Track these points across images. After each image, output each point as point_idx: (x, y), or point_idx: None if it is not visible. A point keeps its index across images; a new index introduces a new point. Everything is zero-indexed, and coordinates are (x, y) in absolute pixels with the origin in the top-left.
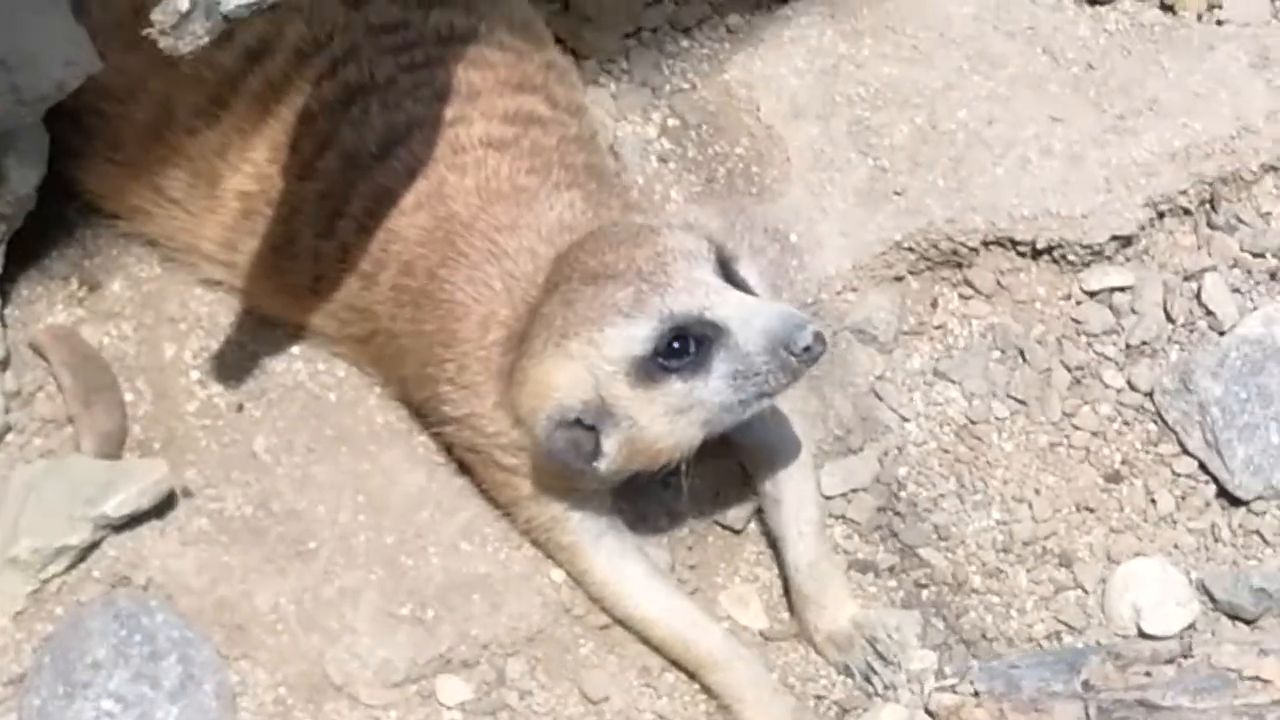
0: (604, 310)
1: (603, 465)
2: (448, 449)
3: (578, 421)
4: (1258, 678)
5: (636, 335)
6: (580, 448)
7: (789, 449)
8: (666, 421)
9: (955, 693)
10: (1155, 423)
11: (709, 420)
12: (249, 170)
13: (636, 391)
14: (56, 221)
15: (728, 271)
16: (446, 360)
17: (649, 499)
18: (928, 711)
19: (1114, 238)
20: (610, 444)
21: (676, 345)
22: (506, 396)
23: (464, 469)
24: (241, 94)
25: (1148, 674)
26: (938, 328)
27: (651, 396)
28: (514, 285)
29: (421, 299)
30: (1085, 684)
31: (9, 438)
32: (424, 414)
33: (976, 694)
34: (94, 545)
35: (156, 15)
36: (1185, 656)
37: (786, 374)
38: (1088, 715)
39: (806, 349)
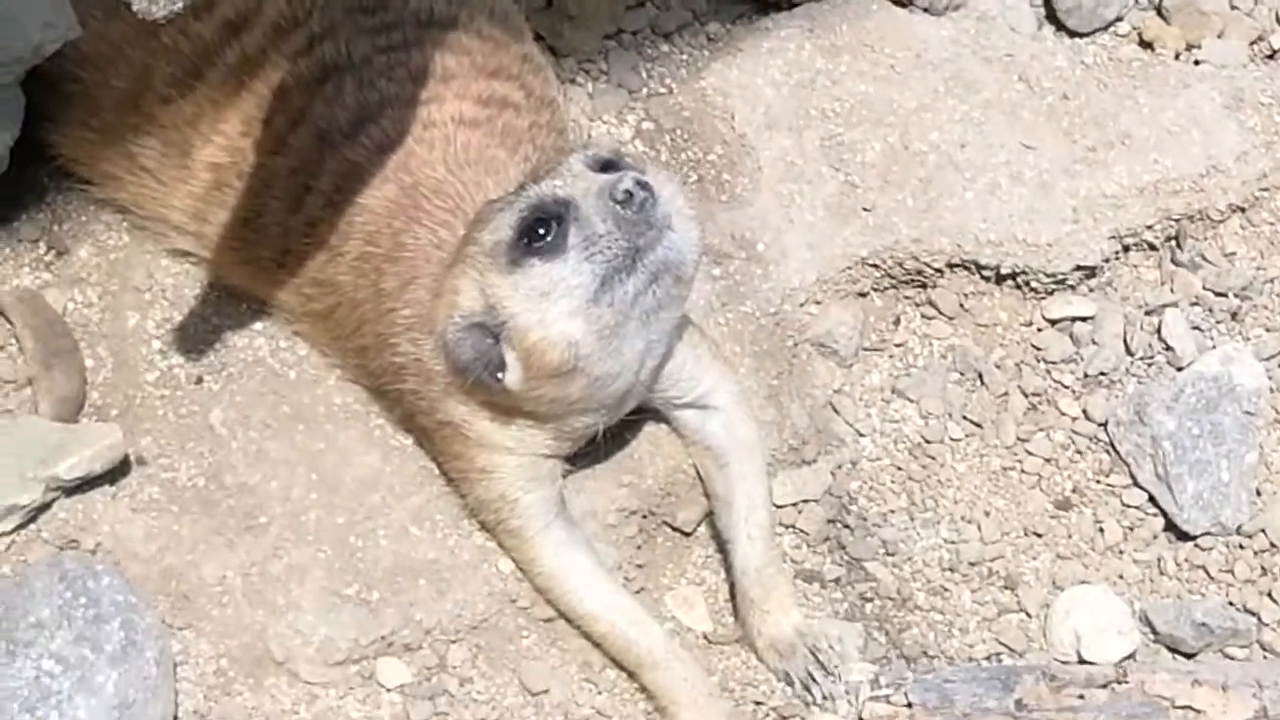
0: (489, 212)
1: (509, 377)
2: (407, 423)
3: (481, 327)
4: (1190, 707)
5: (503, 222)
6: (487, 359)
7: (744, 453)
8: (535, 308)
9: (889, 703)
10: (1108, 453)
11: (577, 309)
12: (221, 142)
13: (505, 278)
14: (28, 185)
15: (609, 166)
16: (402, 309)
17: (600, 495)
18: None
19: (1078, 268)
20: (510, 353)
21: (540, 230)
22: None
23: (422, 446)
24: (217, 66)
25: (1080, 697)
26: (898, 346)
27: (516, 281)
28: None
29: (384, 263)
30: (1018, 702)
31: None
32: (383, 384)
33: (910, 705)
34: (44, 506)
35: None
36: (1120, 682)
37: (624, 230)
38: None
39: (628, 194)
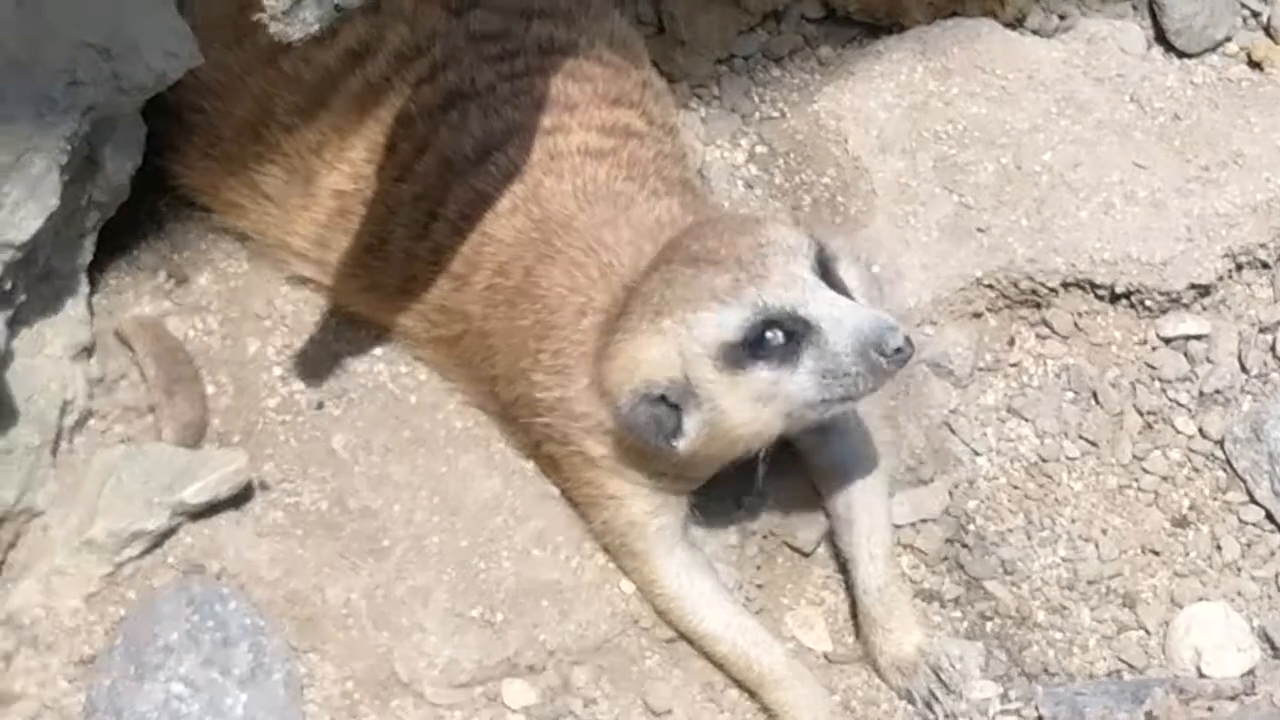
0: (700, 293)
1: (682, 444)
2: (532, 450)
3: (662, 399)
4: None
5: (729, 322)
6: (661, 424)
7: (865, 473)
8: (749, 409)
9: (1020, 716)
10: (1224, 470)
11: (790, 413)
12: (345, 169)
13: (723, 376)
14: (148, 214)
15: (826, 271)
16: (541, 351)
17: (721, 516)
18: None
19: (1192, 286)
20: (691, 423)
21: (767, 337)
22: (597, 373)
23: (546, 471)
24: (341, 94)
25: (1210, 709)
26: (1013, 365)
27: (737, 382)
28: (611, 275)
29: (517, 297)
30: (1149, 715)
31: (91, 423)
32: (512, 411)
33: (1041, 719)
34: (170, 531)
35: (269, 1)
36: (1248, 694)
37: (874, 376)
38: None
39: (897, 350)
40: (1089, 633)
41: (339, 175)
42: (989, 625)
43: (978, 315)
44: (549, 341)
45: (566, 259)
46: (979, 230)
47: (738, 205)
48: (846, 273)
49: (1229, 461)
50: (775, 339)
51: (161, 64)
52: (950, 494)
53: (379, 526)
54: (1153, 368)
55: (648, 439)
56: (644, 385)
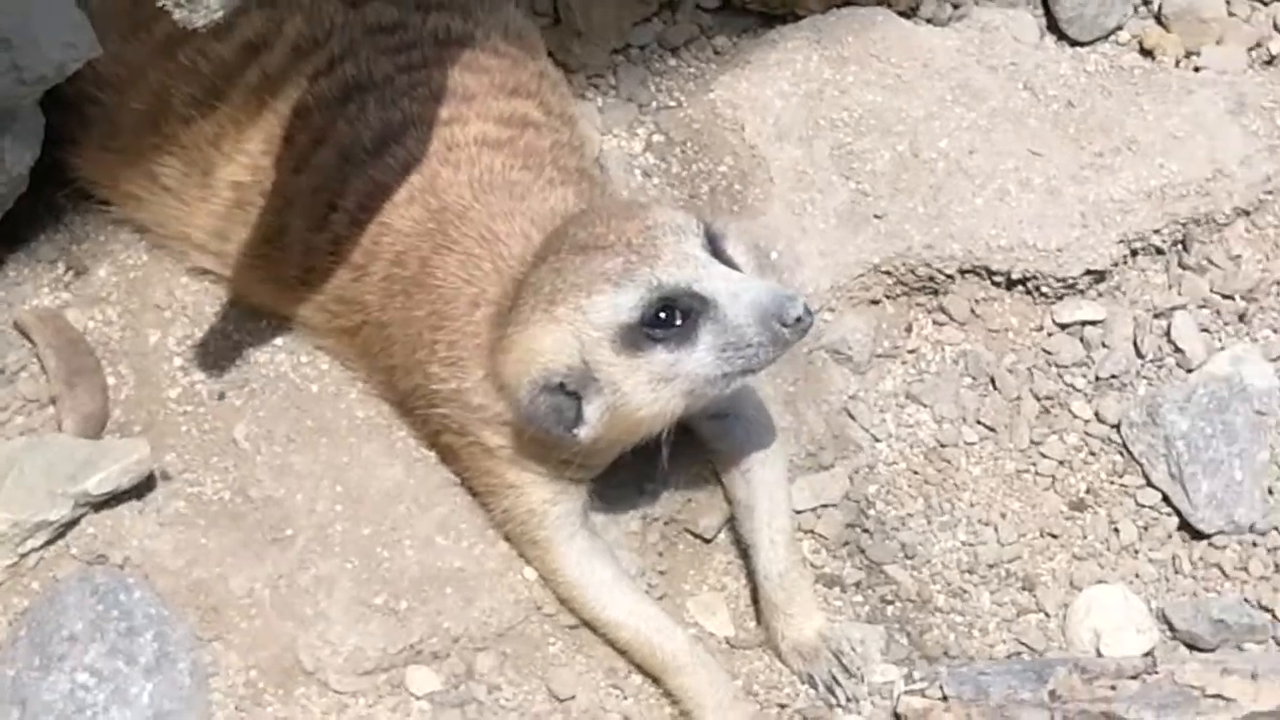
0: (593, 278)
1: (583, 432)
2: (431, 440)
3: (561, 387)
4: (1220, 695)
5: (624, 303)
6: (562, 413)
7: (765, 458)
8: (649, 390)
9: (925, 696)
10: (1121, 454)
11: (691, 391)
12: (243, 161)
13: (621, 358)
14: (46, 206)
15: (715, 248)
16: (436, 342)
17: (623, 502)
18: (895, 715)
19: (1088, 272)
20: (592, 410)
21: (663, 316)
22: (493, 367)
23: (446, 460)
24: (238, 86)
25: (1112, 688)
26: (911, 352)
27: (636, 364)
28: (504, 266)
29: (412, 287)
30: (1052, 694)
31: None
32: (410, 402)
33: (945, 698)
34: (73, 522)
35: None
36: (1149, 673)
37: (777, 346)
38: None
39: (798, 319)
40: (989, 616)
41: (237, 167)
42: (890, 609)
43: (876, 302)
44: (444, 333)
45: (461, 250)
46: (876, 217)
47: (636, 194)
48: (735, 250)
49: (1125, 445)
50: (671, 318)
51: (60, 55)
52: (850, 479)
53: (282, 516)
54: (1049, 353)
55: (549, 429)
56: (542, 375)
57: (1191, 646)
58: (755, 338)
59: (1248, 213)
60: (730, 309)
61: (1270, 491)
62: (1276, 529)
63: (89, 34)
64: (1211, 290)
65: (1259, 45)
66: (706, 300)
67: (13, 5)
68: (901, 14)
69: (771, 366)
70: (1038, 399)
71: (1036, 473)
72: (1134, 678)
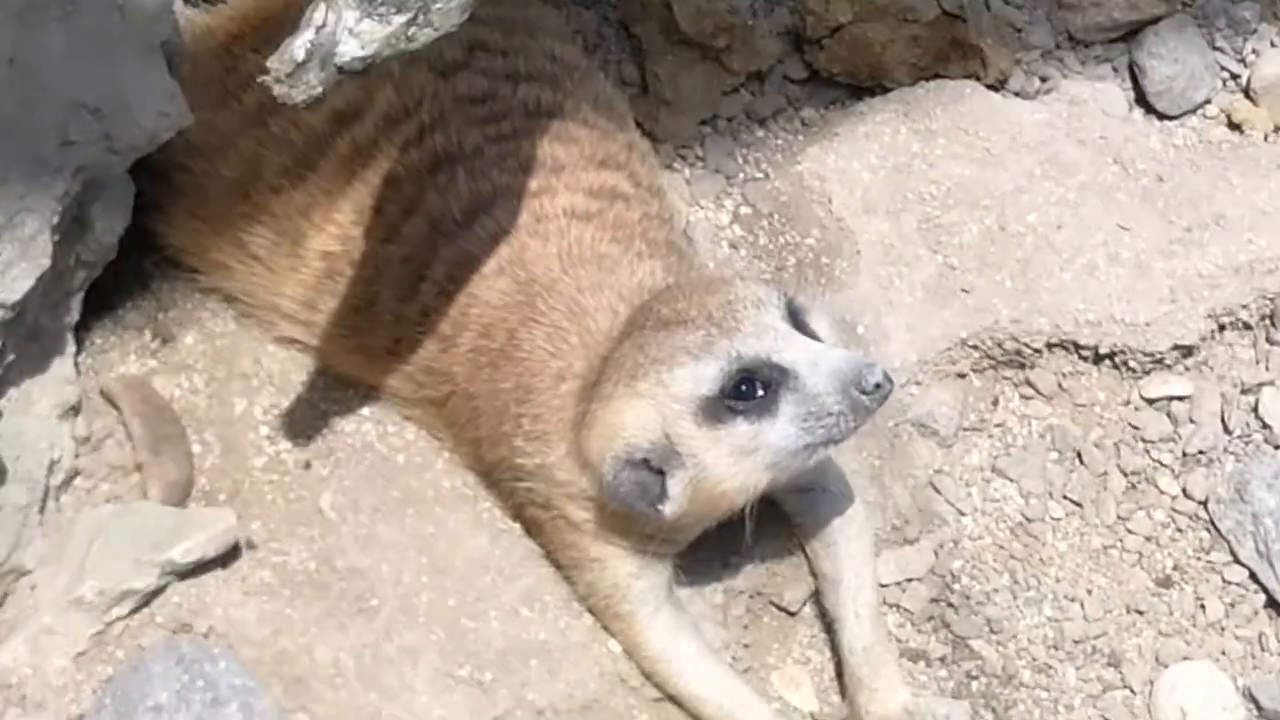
0: (673, 352)
1: (668, 508)
2: (516, 512)
3: (645, 463)
4: None
5: (704, 375)
6: (646, 490)
7: (851, 532)
8: (732, 463)
9: None
10: (1208, 531)
11: (775, 464)
12: (333, 231)
13: (703, 431)
14: (134, 273)
15: (797, 321)
16: (522, 415)
17: (707, 575)
18: None
19: (1175, 347)
20: (676, 485)
21: (744, 388)
22: (577, 442)
23: (530, 533)
24: (329, 156)
25: None
26: (998, 425)
27: (718, 436)
28: (591, 341)
29: (500, 359)
30: None
31: (77, 481)
32: (496, 474)
33: None
34: (158, 591)
35: (272, 63)
36: None
37: (857, 414)
38: None
39: (877, 386)
40: (1074, 692)
41: (327, 237)
42: (975, 684)
43: (962, 375)
44: (529, 406)
45: (549, 323)
46: (963, 291)
47: (722, 266)
48: (817, 323)
49: (1212, 522)
50: (752, 390)
51: (153, 123)
52: (936, 553)
53: (367, 586)
54: (1136, 428)
55: (633, 506)
56: (625, 450)
57: None
58: (836, 406)
59: None
60: (810, 378)
61: None
62: None
63: (181, 102)
64: None
65: None
66: (786, 370)
67: (104, 73)
68: (990, 87)
69: (858, 439)
70: (1124, 474)
71: (1123, 549)
72: None
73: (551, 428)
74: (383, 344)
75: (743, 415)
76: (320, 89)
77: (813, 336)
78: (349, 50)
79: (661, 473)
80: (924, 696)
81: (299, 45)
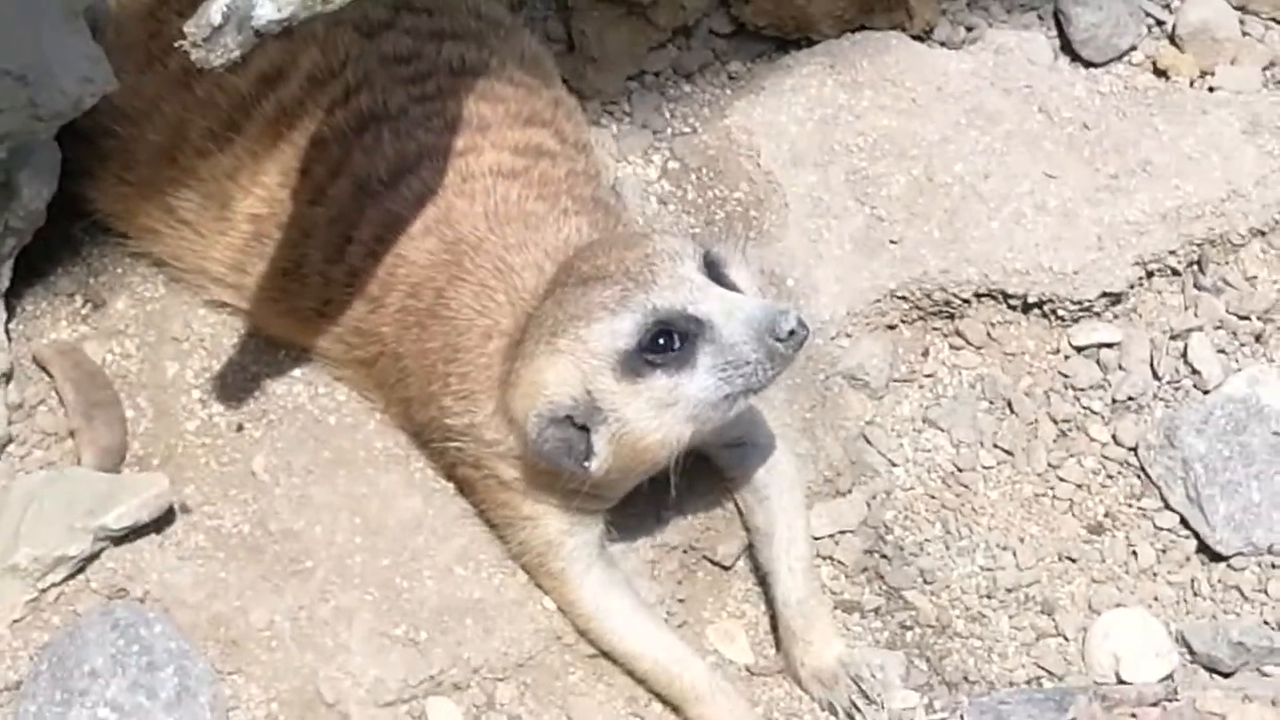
0: (590, 308)
1: (594, 464)
2: (448, 472)
3: (568, 419)
4: None
5: (621, 330)
6: (572, 447)
7: (783, 486)
8: (653, 415)
9: None
10: (1138, 477)
11: (695, 415)
12: (260, 193)
13: (622, 385)
14: (64, 239)
15: (716, 273)
16: (450, 374)
17: (639, 531)
18: None
19: (1104, 295)
20: (600, 441)
21: (661, 341)
22: (502, 402)
23: (463, 492)
24: (255, 118)
25: (1133, 715)
26: (928, 376)
27: (637, 390)
28: (517, 299)
29: (427, 319)
30: None
31: (10, 449)
32: (426, 434)
33: None
34: (93, 556)
35: (189, 27)
36: (1170, 700)
37: (775, 362)
38: None
39: (791, 332)
40: (1008, 640)
41: (254, 199)
42: (909, 635)
43: (892, 327)
44: (457, 365)
45: (476, 281)
46: (891, 242)
47: (651, 221)
48: (738, 274)
49: (1143, 468)
50: (670, 343)
51: (77, 89)
52: (868, 505)
53: (301, 548)
54: (1066, 376)
55: (559, 463)
56: (548, 408)
57: (1211, 670)
58: (752, 355)
59: (1263, 233)
60: (725, 328)
61: None
62: None
63: (105, 68)
64: (1227, 311)
65: (1273, 65)
66: (702, 322)
67: (28, 40)
68: (915, 38)
69: (789, 393)
70: (1055, 422)
71: (1054, 496)
72: (1155, 705)
73: (479, 386)
74: (312, 306)
75: (661, 368)
76: (238, 52)
77: (732, 288)
78: (265, 13)
79: (586, 429)
80: (858, 648)
81: (215, 9)
